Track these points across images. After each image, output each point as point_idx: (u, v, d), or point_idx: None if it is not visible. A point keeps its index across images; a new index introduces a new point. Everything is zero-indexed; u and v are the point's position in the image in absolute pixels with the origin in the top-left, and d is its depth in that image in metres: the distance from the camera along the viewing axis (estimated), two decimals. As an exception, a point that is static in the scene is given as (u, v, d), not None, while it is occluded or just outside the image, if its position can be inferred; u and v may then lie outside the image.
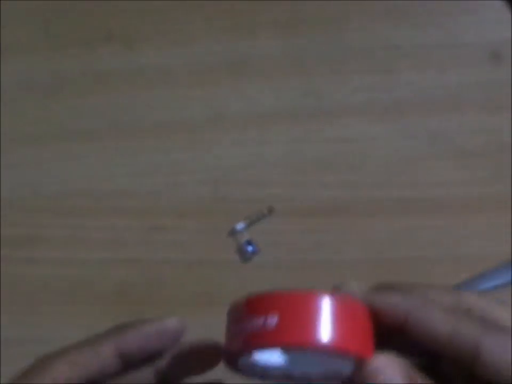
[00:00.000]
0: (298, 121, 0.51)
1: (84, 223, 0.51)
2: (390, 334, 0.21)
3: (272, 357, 0.20)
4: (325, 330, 0.17)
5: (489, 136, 0.50)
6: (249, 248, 0.49)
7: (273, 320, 0.18)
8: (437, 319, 0.20)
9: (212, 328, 0.48)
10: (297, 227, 0.49)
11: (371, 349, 0.20)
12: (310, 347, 0.17)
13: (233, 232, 0.50)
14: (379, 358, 0.19)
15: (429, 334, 0.20)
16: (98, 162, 0.52)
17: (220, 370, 0.25)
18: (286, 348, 0.18)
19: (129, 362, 0.24)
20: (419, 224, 0.49)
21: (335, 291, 0.22)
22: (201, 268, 0.49)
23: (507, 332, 0.20)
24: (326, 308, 0.18)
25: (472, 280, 0.47)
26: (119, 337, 0.24)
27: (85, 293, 0.50)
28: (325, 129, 0.51)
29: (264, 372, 0.21)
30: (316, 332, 0.17)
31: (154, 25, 0.54)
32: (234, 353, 0.20)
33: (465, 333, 0.20)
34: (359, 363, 0.19)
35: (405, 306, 0.21)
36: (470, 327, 0.20)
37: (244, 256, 0.49)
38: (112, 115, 0.53)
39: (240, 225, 0.50)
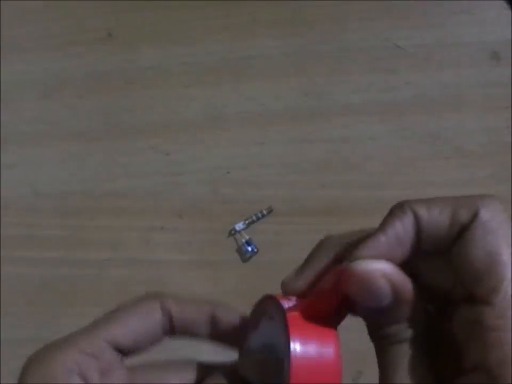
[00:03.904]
0: (298, 121, 0.51)
1: (84, 223, 0.51)
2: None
3: None
4: None
5: (489, 136, 0.50)
6: (249, 248, 0.49)
7: None
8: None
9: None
10: (297, 227, 0.49)
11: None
12: None
13: (233, 232, 0.50)
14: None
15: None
16: (98, 162, 0.52)
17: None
18: None
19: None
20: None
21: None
22: (201, 267, 0.49)
23: None
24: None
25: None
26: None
27: (85, 293, 0.50)
28: (325, 129, 0.51)
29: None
30: None
31: (154, 25, 0.54)
32: None
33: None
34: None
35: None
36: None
37: (244, 256, 0.49)
38: (112, 115, 0.53)
39: (240, 225, 0.50)
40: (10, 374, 0.51)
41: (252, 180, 0.51)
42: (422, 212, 0.21)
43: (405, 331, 0.20)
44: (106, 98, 0.53)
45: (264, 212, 0.50)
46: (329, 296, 0.21)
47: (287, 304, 0.22)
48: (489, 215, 0.21)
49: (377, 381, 0.21)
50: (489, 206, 0.21)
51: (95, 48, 0.54)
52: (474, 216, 0.21)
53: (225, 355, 0.25)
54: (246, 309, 0.50)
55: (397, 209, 0.22)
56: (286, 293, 0.23)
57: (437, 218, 0.21)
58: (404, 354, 0.20)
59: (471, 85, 0.50)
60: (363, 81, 0.51)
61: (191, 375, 0.25)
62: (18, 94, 0.54)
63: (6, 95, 0.54)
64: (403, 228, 0.21)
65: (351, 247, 0.22)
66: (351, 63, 0.52)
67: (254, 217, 0.50)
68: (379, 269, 0.20)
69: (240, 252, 0.49)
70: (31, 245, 0.51)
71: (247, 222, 0.50)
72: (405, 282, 0.20)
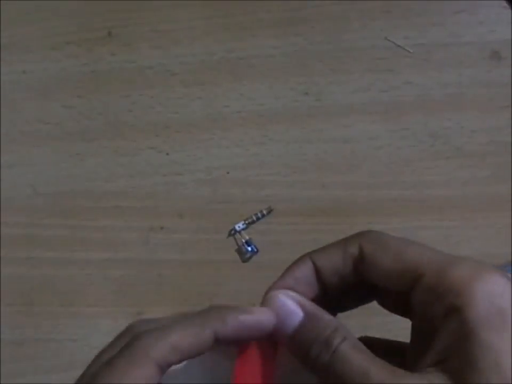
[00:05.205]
0: (298, 121, 0.51)
1: (84, 223, 0.51)
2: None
3: None
4: None
5: (490, 136, 0.50)
6: (249, 248, 0.49)
7: None
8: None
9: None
10: (297, 227, 0.49)
11: None
12: None
13: (233, 232, 0.50)
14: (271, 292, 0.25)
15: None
16: (98, 162, 0.52)
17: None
18: None
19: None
20: (419, 224, 0.49)
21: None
22: (201, 268, 0.49)
23: None
24: None
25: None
26: (219, 323, 0.23)
27: (85, 293, 0.50)
28: (325, 129, 0.51)
29: None
30: None
31: (154, 25, 0.54)
32: None
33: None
34: None
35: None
36: None
37: (244, 256, 0.49)
38: (112, 115, 0.53)
39: (240, 225, 0.50)
40: (10, 374, 0.51)
41: (252, 180, 0.51)
42: (317, 256, 0.25)
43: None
44: (106, 98, 0.53)
45: (264, 212, 0.50)
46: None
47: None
48: (373, 239, 0.24)
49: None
50: (369, 234, 0.25)
51: (95, 48, 0.54)
52: (360, 245, 0.24)
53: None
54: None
55: (297, 259, 0.26)
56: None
57: (331, 258, 0.25)
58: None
59: (471, 85, 0.50)
60: (363, 81, 0.51)
61: None
62: (18, 94, 0.54)
63: (6, 95, 0.54)
64: (300, 272, 0.25)
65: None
66: (351, 63, 0.52)
67: (254, 217, 0.50)
68: (279, 291, 0.25)
69: (240, 251, 0.49)
70: (31, 245, 0.51)
71: (247, 222, 0.50)
72: (307, 300, 0.24)
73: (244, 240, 0.49)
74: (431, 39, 0.51)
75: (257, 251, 0.49)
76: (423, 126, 0.50)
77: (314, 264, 0.25)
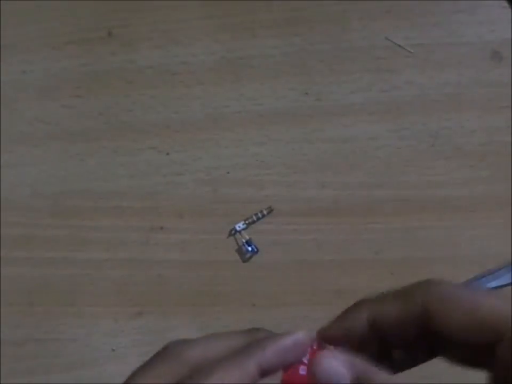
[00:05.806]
0: (298, 121, 0.51)
1: (84, 223, 0.51)
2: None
3: None
4: None
5: (489, 136, 0.50)
6: (249, 248, 0.49)
7: None
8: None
9: (211, 328, 0.48)
10: (297, 227, 0.49)
11: None
12: None
13: (233, 232, 0.50)
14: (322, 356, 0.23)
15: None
16: (98, 162, 0.52)
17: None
18: None
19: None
20: (419, 224, 0.49)
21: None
22: (201, 268, 0.49)
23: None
24: None
25: (472, 280, 0.47)
26: (260, 351, 0.23)
27: (85, 293, 0.50)
28: (325, 129, 0.51)
29: None
30: None
31: (154, 25, 0.54)
32: None
33: None
34: None
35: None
36: None
37: (244, 256, 0.49)
38: (112, 115, 0.53)
39: (240, 225, 0.50)
40: (10, 374, 0.51)
41: (252, 180, 0.51)
42: (374, 307, 0.24)
43: None
44: (106, 98, 0.53)
45: (264, 212, 0.50)
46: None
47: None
48: (439, 296, 0.23)
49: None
50: (433, 288, 0.23)
51: (95, 48, 0.54)
52: (424, 301, 0.23)
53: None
54: (245, 308, 0.50)
55: (352, 306, 0.25)
56: (322, 339, 0.25)
57: (390, 311, 0.24)
58: None
59: (471, 85, 0.50)
60: (363, 81, 0.51)
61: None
62: (18, 94, 0.54)
63: (6, 95, 0.54)
64: (354, 321, 0.24)
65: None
66: (351, 63, 0.52)
67: (254, 217, 0.50)
68: (328, 354, 0.23)
69: (240, 251, 0.49)
70: (31, 245, 0.51)
71: (247, 222, 0.50)
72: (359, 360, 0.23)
73: (244, 240, 0.49)
74: (431, 39, 0.51)
75: (257, 251, 0.49)
76: (423, 126, 0.50)
77: (370, 314, 0.24)
